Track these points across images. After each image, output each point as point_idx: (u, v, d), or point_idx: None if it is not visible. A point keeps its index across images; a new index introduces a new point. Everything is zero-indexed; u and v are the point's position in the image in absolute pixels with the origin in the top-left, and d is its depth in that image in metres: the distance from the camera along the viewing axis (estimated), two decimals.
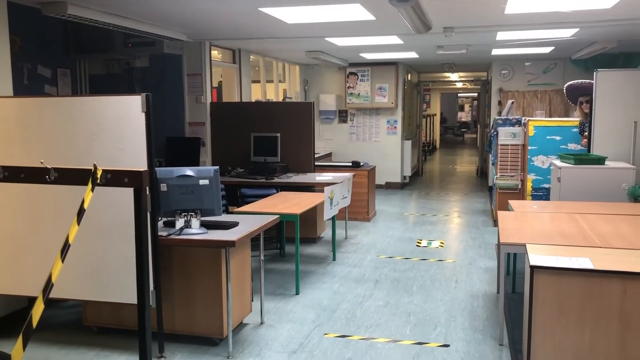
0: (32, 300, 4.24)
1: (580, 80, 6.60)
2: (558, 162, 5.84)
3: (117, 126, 3.57)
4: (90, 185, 2.35)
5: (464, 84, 18.13)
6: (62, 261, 2.10)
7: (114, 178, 2.42)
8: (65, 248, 2.13)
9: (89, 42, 7.07)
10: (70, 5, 4.71)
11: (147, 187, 3.39)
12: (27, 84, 6.20)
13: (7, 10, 4.20)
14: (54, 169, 2.49)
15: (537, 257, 3.31)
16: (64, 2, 4.66)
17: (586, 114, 6.27)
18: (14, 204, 3.77)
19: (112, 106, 3.58)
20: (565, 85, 6.66)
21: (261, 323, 4.27)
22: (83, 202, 2.25)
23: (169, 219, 3.94)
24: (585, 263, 3.18)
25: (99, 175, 2.40)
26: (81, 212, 2.23)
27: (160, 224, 4.00)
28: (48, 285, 2.00)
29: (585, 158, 5.79)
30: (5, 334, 4.04)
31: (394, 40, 7.38)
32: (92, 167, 2.38)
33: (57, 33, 6.67)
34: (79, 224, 2.22)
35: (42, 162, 2.49)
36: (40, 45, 6.30)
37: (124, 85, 7.53)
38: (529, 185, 7.30)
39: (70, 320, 4.36)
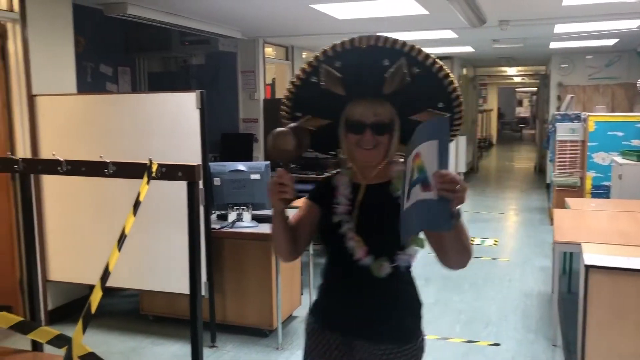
0: (92, 288, 4.45)
1: None
2: (619, 159, 5.63)
3: (173, 122, 3.69)
4: (145, 179, 2.44)
5: (522, 79, 17.65)
6: (119, 251, 2.19)
7: (169, 172, 2.50)
8: (121, 239, 2.22)
9: (148, 41, 7.30)
10: (130, 5, 4.89)
11: (201, 181, 3.50)
12: (90, 82, 6.46)
13: (72, 12, 4.40)
14: (112, 163, 2.60)
15: (593, 256, 3.22)
16: (124, 3, 4.85)
17: None
18: (77, 196, 3.97)
19: (168, 103, 3.71)
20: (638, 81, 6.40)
21: None
22: (139, 194, 2.35)
23: (222, 212, 4.04)
24: None
25: (154, 169, 2.49)
26: (137, 204, 2.32)
27: (213, 217, 4.11)
28: (105, 274, 2.09)
29: None
30: (69, 319, 4.25)
31: (448, 34, 7.27)
32: (147, 161, 2.48)
33: (118, 33, 6.92)
34: (135, 216, 2.31)
35: (101, 156, 2.60)
36: (102, 44, 6.55)
37: (181, 82, 7.74)
38: (588, 182, 7.05)
39: (128, 308, 4.55)
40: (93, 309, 2.06)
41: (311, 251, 4.30)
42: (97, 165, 2.64)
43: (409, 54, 1.54)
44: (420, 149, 1.39)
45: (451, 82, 1.59)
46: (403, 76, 1.57)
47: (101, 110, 3.87)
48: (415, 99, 1.64)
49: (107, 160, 2.62)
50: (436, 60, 1.56)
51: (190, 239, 2.55)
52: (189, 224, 2.54)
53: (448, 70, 1.59)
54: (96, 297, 2.08)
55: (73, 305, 4.40)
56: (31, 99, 4.00)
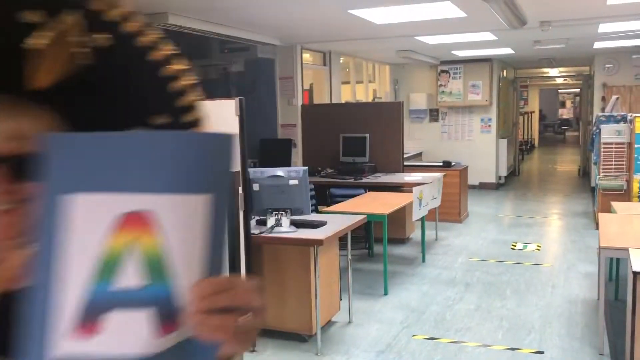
0: None
1: None
2: None
3: (213, 129, 3.74)
4: None
5: (564, 80, 17.23)
6: None
7: None
8: None
9: (189, 49, 7.44)
10: (171, 15, 5.00)
11: (240, 187, 3.55)
12: None
13: None
14: None
15: None
16: (165, 13, 4.96)
17: None
18: None
19: (208, 110, 3.76)
20: None
21: (349, 322, 4.32)
22: None
23: (261, 217, 4.08)
24: None
25: None
26: None
27: (252, 222, 4.15)
28: None
29: None
30: None
31: (487, 36, 7.18)
32: None
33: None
34: None
35: None
36: None
37: (221, 89, 7.86)
38: (635, 186, 6.83)
39: None
40: None
41: (349, 256, 4.30)
42: None
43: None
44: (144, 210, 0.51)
45: (173, 76, 0.70)
46: (76, 54, 0.59)
47: None
48: (106, 104, 0.67)
49: None
50: (148, 28, 0.66)
51: (230, 244, 2.59)
52: (228, 229, 2.59)
53: (171, 49, 0.69)
54: None
55: None
56: None
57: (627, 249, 3.39)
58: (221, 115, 3.70)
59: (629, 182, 7.12)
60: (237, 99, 3.65)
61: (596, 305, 4.53)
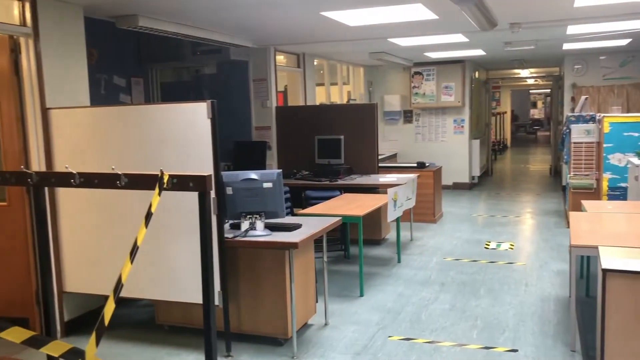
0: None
1: None
2: (636, 160, 5.55)
3: (185, 132, 3.71)
4: (157, 190, 2.46)
5: (535, 80, 17.52)
6: (132, 262, 2.21)
7: (180, 183, 2.52)
8: (134, 250, 2.24)
9: (160, 51, 7.37)
10: (142, 17, 4.94)
11: (213, 191, 3.51)
12: (103, 94, 6.53)
13: (84, 24, 4.45)
14: (124, 175, 2.62)
15: (610, 260, 3.17)
16: (135, 15, 4.89)
17: None
18: (92, 208, 4.00)
19: (179, 113, 3.73)
20: None
21: (325, 324, 4.30)
22: (150, 206, 2.36)
23: (235, 221, 4.05)
24: None
25: (165, 180, 2.50)
26: (149, 215, 2.34)
27: (226, 226, 4.12)
28: (118, 286, 2.10)
29: None
30: (86, 330, 4.28)
31: (459, 38, 7.25)
32: (159, 173, 2.49)
33: (131, 44, 6.99)
34: (147, 227, 2.33)
35: (113, 168, 2.62)
36: (115, 56, 6.62)
37: (193, 91, 7.80)
38: (604, 184, 6.96)
39: (144, 319, 4.56)
40: (106, 322, 2.07)
41: (325, 258, 4.29)
42: (110, 177, 2.66)
43: None
44: None
45: None
46: None
47: (114, 122, 3.91)
48: None
49: (119, 172, 2.64)
50: None
51: (202, 248, 2.56)
52: (201, 233, 2.55)
53: None
54: (109, 309, 2.09)
55: (90, 316, 4.42)
56: (45, 112, 4.05)
57: (596, 247, 3.45)
58: (193, 118, 3.67)
59: (598, 180, 7.26)
60: (209, 101, 3.62)
61: (568, 302, 4.60)
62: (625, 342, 3.04)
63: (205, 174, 2.51)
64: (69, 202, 4.09)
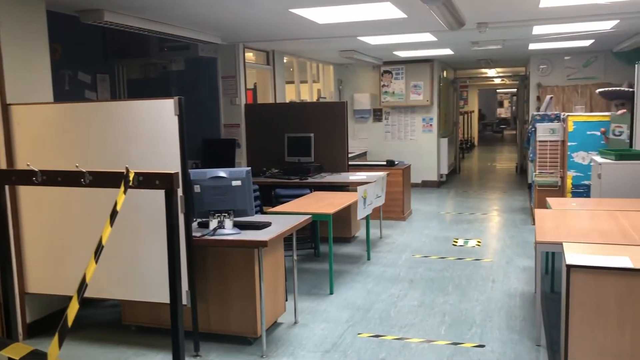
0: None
1: (613, 88, 6.56)
2: (598, 158, 5.69)
3: (152, 129, 3.65)
4: (122, 188, 2.41)
5: (502, 80, 17.81)
6: (96, 262, 2.16)
7: (146, 180, 2.48)
8: (98, 249, 2.19)
9: (127, 47, 7.24)
10: (107, 12, 4.84)
11: (180, 189, 3.47)
12: (68, 90, 6.39)
13: (46, 19, 4.34)
14: (89, 173, 2.56)
15: (574, 255, 3.24)
16: (100, 10, 4.79)
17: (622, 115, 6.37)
18: (56, 207, 3.90)
19: (146, 110, 3.66)
20: (597, 91, 6.65)
21: (295, 322, 4.29)
22: (116, 204, 2.31)
23: (203, 219, 4.00)
24: (624, 262, 3.09)
25: (131, 178, 2.45)
26: (114, 214, 2.29)
27: (194, 225, 4.07)
28: (82, 286, 2.06)
29: (627, 154, 5.62)
30: (50, 332, 4.17)
31: (428, 37, 7.32)
32: (124, 170, 2.45)
33: (96, 40, 6.86)
34: (112, 226, 2.28)
35: (77, 166, 2.56)
36: (80, 52, 6.48)
37: (161, 88, 7.69)
38: (568, 182, 7.12)
39: (110, 319, 4.48)
40: (70, 322, 2.02)
41: (295, 256, 4.28)
42: (73, 175, 2.60)
43: None
44: None
45: None
46: None
47: (79, 119, 3.82)
48: None
49: (84, 170, 2.58)
50: None
51: (169, 247, 2.52)
52: (167, 232, 2.51)
53: None
54: (73, 310, 2.04)
55: (53, 318, 4.32)
56: (5, 108, 3.93)
57: (561, 243, 3.51)
58: (160, 115, 3.61)
59: (563, 178, 7.42)
60: (176, 98, 3.57)
61: (534, 298, 4.69)
62: (587, 335, 3.10)
63: (172, 172, 2.47)
64: (31, 200, 3.99)
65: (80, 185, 2.57)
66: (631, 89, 6.29)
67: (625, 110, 6.16)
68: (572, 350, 3.15)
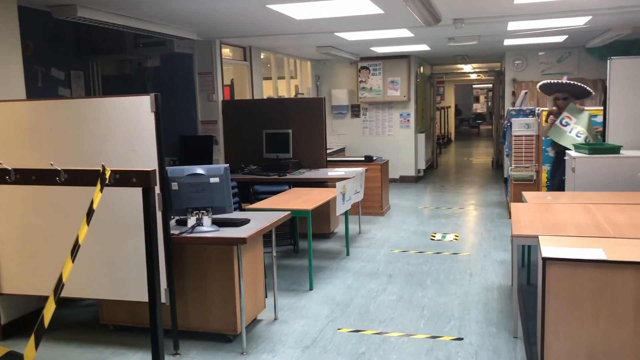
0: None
1: (555, 80, 6.66)
2: (572, 152, 5.78)
3: (128, 127, 3.60)
4: (99, 186, 2.38)
5: (478, 75, 17.98)
6: (73, 261, 2.13)
7: (122, 178, 2.44)
8: (75, 248, 2.16)
9: (101, 43, 7.13)
10: (80, 7, 4.76)
11: (157, 187, 3.43)
12: (41, 87, 6.27)
13: (17, 14, 4.25)
14: (64, 171, 2.52)
15: (550, 248, 3.29)
16: (73, 5, 4.71)
17: (560, 109, 6.39)
18: (31, 206, 3.83)
19: (121, 107, 3.62)
20: (539, 84, 6.71)
21: (275, 319, 4.29)
22: (92, 202, 2.28)
23: (182, 217, 3.97)
24: (598, 254, 3.15)
25: (107, 176, 2.42)
26: (90, 212, 2.26)
27: (173, 222, 4.04)
28: (59, 286, 2.03)
29: (600, 148, 5.72)
30: (26, 333, 4.11)
31: (404, 33, 7.35)
32: (100, 168, 2.41)
33: (69, 36, 6.74)
34: (88, 225, 2.25)
35: (51, 164, 2.52)
36: (53, 48, 6.37)
37: (137, 85, 7.59)
38: (543, 176, 7.23)
39: (88, 319, 4.42)
40: (46, 323, 1.99)
41: (274, 253, 4.28)
42: (48, 173, 2.56)
43: None
44: None
45: None
46: None
47: (52, 116, 3.75)
48: None
49: (59, 168, 2.54)
50: None
51: (147, 245, 2.49)
52: (145, 230, 2.49)
53: None
54: (49, 310, 2.01)
55: (29, 318, 4.25)
56: None
57: (537, 236, 3.57)
58: (136, 112, 3.57)
59: (538, 172, 7.53)
60: (152, 95, 3.53)
61: (511, 291, 4.75)
62: (564, 327, 3.16)
63: (149, 169, 2.44)
64: (5, 199, 3.91)
65: (56, 184, 2.53)
66: (572, 82, 6.44)
67: (582, 107, 6.22)
68: (548, 341, 3.20)
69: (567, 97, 6.36)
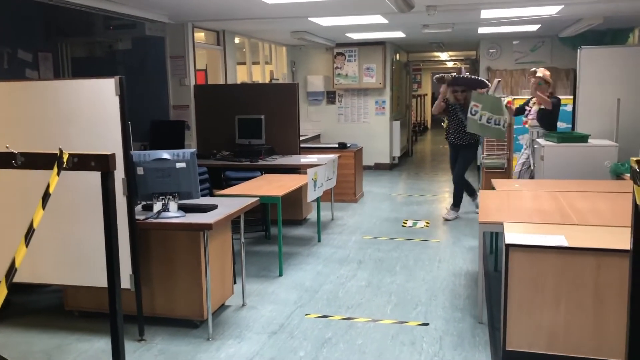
0: (12, 286, 4.23)
1: (467, 74, 6.93)
2: (541, 141, 5.84)
3: (92, 110, 3.53)
4: (55, 170, 2.33)
5: (454, 64, 18.06)
6: (27, 246, 2.08)
7: (81, 162, 2.40)
8: (29, 233, 2.11)
9: (70, 25, 6.99)
10: None
11: (122, 171, 3.38)
12: (7, 69, 6.13)
13: None
14: (21, 154, 2.46)
15: (513, 235, 3.33)
16: None
17: (458, 100, 6.73)
18: None
19: (85, 90, 3.54)
20: (434, 78, 7.00)
21: (243, 305, 4.28)
22: (48, 186, 2.23)
23: (148, 202, 3.92)
24: (560, 240, 3.20)
25: (65, 159, 2.37)
26: (46, 196, 2.21)
27: (139, 208, 3.99)
28: (11, 270, 1.99)
29: (568, 136, 5.80)
30: None
31: (379, 19, 7.32)
32: (57, 152, 2.36)
33: (37, 17, 6.58)
34: (44, 209, 2.20)
35: (7, 147, 2.46)
36: (19, 29, 6.22)
37: (108, 68, 7.46)
38: (514, 164, 7.30)
39: (52, 305, 4.36)
40: None
41: (242, 239, 4.25)
42: (4, 156, 2.49)
43: None
44: None
45: None
46: None
47: (14, 98, 3.66)
48: None
49: (15, 152, 2.48)
50: None
51: (106, 230, 2.46)
52: (104, 215, 2.45)
53: None
54: (1, 295, 1.97)
55: None
56: None
57: (502, 223, 3.61)
58: (99, 95, 3.50)
59: (509, 160, 7.61)
60: (117, 77, 3.46)
61: (478, 277, 4.80)
62: (526, 312, 3.21)
63: (108, 153, 2.40)
64: None
65: (12, 167, 2.47)
66: (466, 76, 6.65)
67: (483, 91, 6.26)
68: (510, 325, 3.25)
69: (465, 89, 6.58)
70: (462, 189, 7.08)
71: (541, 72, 6.01)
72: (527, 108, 6.28)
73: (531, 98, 6.26)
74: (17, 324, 3.97)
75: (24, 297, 4.47)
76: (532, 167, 6.03)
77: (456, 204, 7.06)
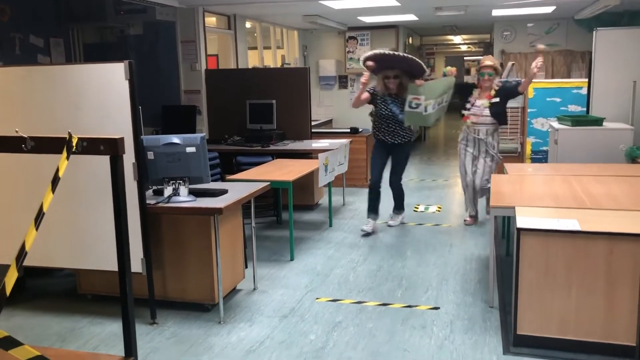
0: (26, 270, 4.30)
1: (380, 51, 5.51)
2: (555, 124, 5.77)
3: (102, 94, 3.54)
4: (65, 154, 2.33)
5: (468, 47, 17.86)
6: (37, 229, 2.10)
7: (90, 146, 2.40)
8: (39, 216, 2.12)
9: (82, 10, 6.99)
10: None
11: (129, 155, 3.39)
12: (19, 54, 6.15)
13: None
14: (30, 138, 2.47)
15: (525, 219, 3.30)
16: None
17: (389, 89, 5.60)
18: (3, 175, 3.78)
19: (95, 74, 3.55)
20: (364, 56, 5.54)
21: (254, 289, 4.30)
22: (57, 170, 2.24)
23: (159, 187, 3.94)
24: (572, 224, 3.16)
25: (74, 143, 2.38)
26: (55, 180, 2.22)
27: (150, 192, 4.01)
28: (22, 254, 2.00)
29: (583, 119, 5.72)
30: None
31: (391, 1, 7.24)
32: (67, 136, 2.36)
33: (49, 2, 6.59)
34: (53, 192, 2.21)
35: (17, 131, 2.47)
36: (31, 14, 6.23)
37: (119, 53, 7.46)
38: (528, 148, 7.24)
39: (66, 288, 4.41)
40: (8, 291, 1.97)
41: (253, 224, 4.26)
42: (14, 141, 2.50)
43: None
44: None
45: None
46: None
47: (26, 83, 3.67)
48: None
49: (25, 136, 2.49)
50: None
51: (116, 215, 2.46)
52: (114, 199, 2.45)
53: None
54: (11, 278, 1.99)
55: None
56: None
57: (513, 207, 3.57)
58: (109, 80, 3.50)
59: (522, 144, 7.53)
60: (126, 62, 3.45)
61: (489, 261, 4.77)
62: (537, 296, 3.19)
63: (117, 137, 2.40)
64: None
65: (22, 152, 2.48)
66: (395, 53, 5.56)
67: (423, 82, 5.40)
68: (521, 310, 3.23)
69: (398, 75, 5.49)
70: (403, 190, 6.09)
71: (491, 60, 5.51)
72: (470, 100, 5.67)
73: (474, 85, 5.70)
74: (32, 307, 4.02)
75: (39, 281, 4.53)
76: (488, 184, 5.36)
77: (399, 207, 6.10)
